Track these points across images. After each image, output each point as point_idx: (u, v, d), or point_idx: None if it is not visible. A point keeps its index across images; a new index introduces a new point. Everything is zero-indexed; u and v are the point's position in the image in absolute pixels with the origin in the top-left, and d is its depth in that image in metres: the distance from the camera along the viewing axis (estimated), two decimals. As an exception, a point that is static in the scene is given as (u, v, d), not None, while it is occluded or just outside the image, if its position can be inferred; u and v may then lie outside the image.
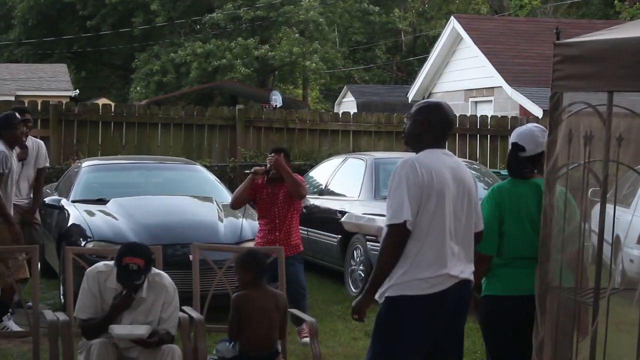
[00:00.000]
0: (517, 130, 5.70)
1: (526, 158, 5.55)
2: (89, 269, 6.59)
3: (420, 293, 5.07)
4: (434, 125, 5.27)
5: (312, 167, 14.73)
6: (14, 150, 9.11)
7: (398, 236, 5.06)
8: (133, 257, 6.27)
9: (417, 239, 5.07)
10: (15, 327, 8.67)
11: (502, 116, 18.78)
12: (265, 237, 9.08)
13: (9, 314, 8.91)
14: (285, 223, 9.05)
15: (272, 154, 9.11)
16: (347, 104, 32.50)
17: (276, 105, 29.68)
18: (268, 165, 9.04)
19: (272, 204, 9.05)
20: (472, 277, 5.27)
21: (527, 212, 5.46)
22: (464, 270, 5.20)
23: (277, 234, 9.04)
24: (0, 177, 8.75)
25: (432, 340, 5.16)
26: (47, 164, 10.49)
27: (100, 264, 6.59)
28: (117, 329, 6.24)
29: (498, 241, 5.51)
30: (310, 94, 48.50)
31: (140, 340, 6.25)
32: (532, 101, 20.84)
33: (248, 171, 9.21)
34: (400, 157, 11.19)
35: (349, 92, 33.82)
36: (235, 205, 9.29)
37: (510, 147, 5.67)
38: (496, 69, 22.42)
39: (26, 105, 15.99)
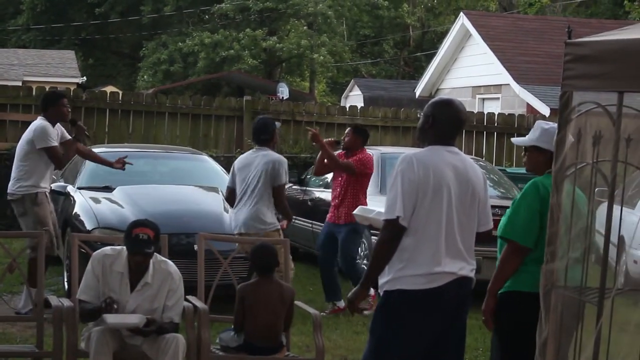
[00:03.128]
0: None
1: None
2: (96, 252, 6.61)
3: (417, 288, 5.08)
4: (439, 122, 5.27)
5: (318, 160, 14.71)
6: None
7: (391, 231, 5.08)
8: (143, 228, 6.34)
9: (414, 235, 5.08)
10: None
11: (509, 114, 18.75)
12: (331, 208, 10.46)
13: None
14: (347, 195, 10.26)
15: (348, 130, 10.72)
16: (354, 98, 32.46)
17: (283, 98, 29.65)
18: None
19: (338, 175, 10.44)
20: (472, 275, 5.25)
21: None
22: (464, 267, 5.20)
23: (336, 202, 10.36)
24: (282, 188, 9.09)
25: (430, 337, 5.16)
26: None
27: (108, 248, 6.63)
28: (110, 318, 6.20)
29: (538, 235, 5.36)
30: (317, 87, 48.47)
31: (137, 329, 6.25)
32: (540, 99, 20.81)
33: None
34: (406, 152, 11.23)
35: (356, 86, 33.79)
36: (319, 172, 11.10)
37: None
38: (504, 66, 22.38)
39: (33, 91, 16.03)
